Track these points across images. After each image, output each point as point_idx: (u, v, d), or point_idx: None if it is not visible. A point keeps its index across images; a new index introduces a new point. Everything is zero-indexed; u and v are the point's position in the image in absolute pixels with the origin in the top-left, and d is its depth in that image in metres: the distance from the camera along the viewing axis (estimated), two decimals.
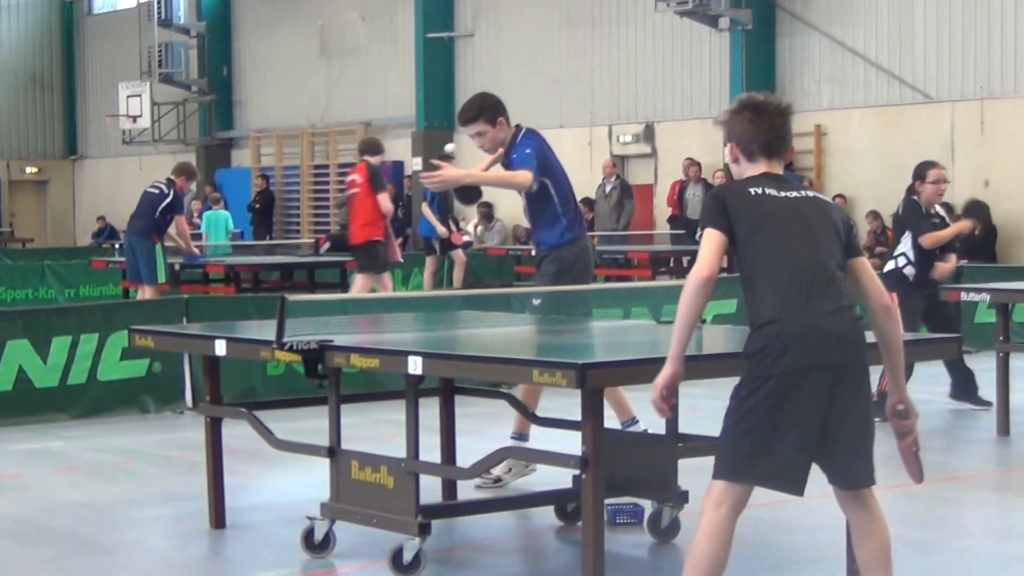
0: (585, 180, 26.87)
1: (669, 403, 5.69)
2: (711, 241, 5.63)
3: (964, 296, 12.28)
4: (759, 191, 5.68)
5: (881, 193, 25.28)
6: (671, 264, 22.16)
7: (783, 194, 5.70)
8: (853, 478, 5.72)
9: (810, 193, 5.80)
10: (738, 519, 5.60)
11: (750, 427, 5.52)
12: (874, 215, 24.85)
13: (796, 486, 5.60)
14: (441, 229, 22.02)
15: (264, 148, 37.37)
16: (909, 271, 12.17)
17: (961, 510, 8.99)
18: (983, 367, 13.44)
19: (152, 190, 18.37)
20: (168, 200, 18.04)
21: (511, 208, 29.69)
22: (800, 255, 5.59)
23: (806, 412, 5.50)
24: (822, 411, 5.53)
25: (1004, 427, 11.42)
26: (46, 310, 13.90)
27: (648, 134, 29.00)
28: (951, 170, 24.77)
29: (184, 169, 18.67)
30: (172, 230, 18.37)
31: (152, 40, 38.03)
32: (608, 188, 26.29)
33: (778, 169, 5.82)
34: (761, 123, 5.79)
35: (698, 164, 25.67)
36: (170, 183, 18.17)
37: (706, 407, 9.32)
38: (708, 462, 5.72)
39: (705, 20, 27.15)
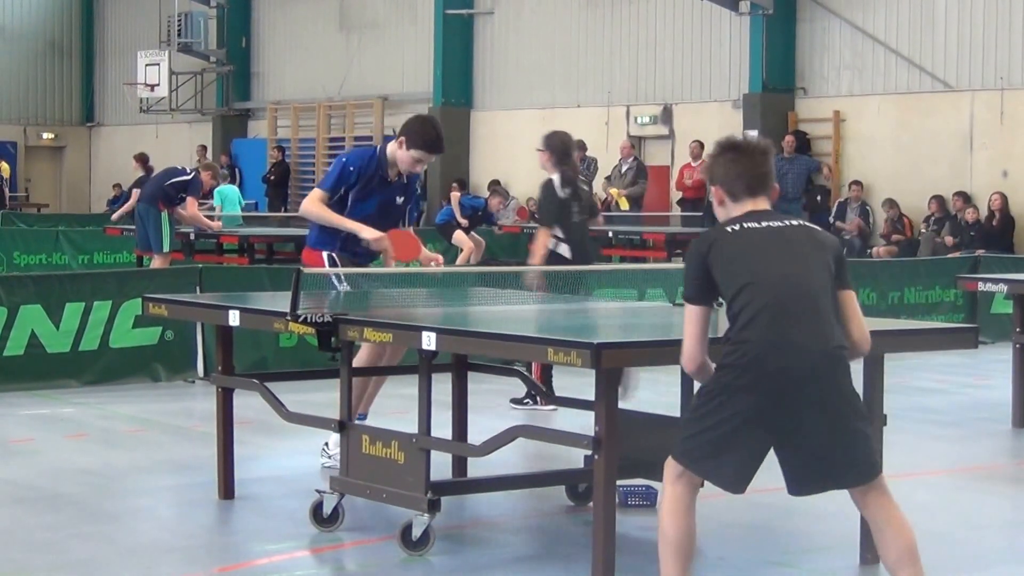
0: (602, 160, 26.79)
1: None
2: (697, 320, 5.69)
3: (981, 286, 12.22)
4: (737, 228, 5.68)
5: (898, 181, 25.19)
6: (687, 246, 22.04)
7: (764, 224, 5.68)
8: (831, 479, 5.64)
9: (795, 222, 5.78)
10: (698, 494, 5.74)
11: (707, 429, 5.59)
12: (891, 203, 24.75)
13: (737, 487, 5.69)
14: (462, 222, 22.01)
15: (281, 120, 37.29)
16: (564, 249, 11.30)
17: (975, 501, 8.93)
18: (999, 357, 13.39)
19: (176, 166, 18.84)
20: (187, 178, 18.20)
21: (523, 184, 29.63)
22: (780, 277, 5.56)
23: (761, 429, 5.54)
24: (781, 427, 5.53)
25: (1020, 419, 11.35)
26: (60, 276, 13.87)
27: (666, 116, 28.88)
28: (969, 160, 24.73)
29: (212, 167, 19.74)
30: (186, 214, 18.46)
31: (172, 9, 37.95)
32: (624, 168, 26.23)
33: (764, 205, 5.79)
34: (743, 163, 5.79)
35: None
36: (196, 171, 18.54)
37: None
38: None
39: (726, 3, 27.02)
